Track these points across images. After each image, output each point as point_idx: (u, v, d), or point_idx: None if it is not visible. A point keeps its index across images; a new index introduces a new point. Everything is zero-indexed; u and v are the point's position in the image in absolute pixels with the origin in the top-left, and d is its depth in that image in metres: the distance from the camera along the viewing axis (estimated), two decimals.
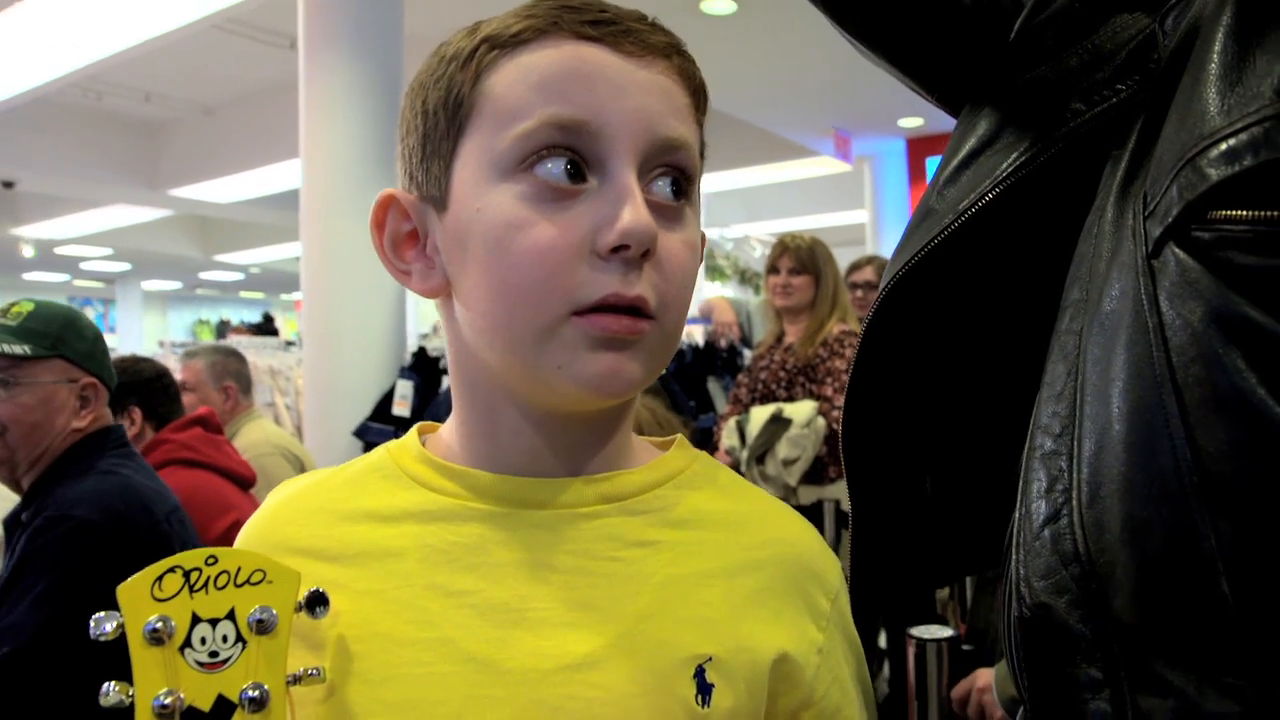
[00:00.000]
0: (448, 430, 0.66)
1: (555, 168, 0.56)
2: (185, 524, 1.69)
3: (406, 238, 0.64)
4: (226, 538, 2.12)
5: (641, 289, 0.56)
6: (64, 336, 1.60)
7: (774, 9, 5.70)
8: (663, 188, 0.59)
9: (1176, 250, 0.53)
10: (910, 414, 0.81)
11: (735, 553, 0.64)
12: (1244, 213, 0.50)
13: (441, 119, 0.60)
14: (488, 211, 0.57)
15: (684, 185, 0.60)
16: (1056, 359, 0.61)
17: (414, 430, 0.67)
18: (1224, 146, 0.51)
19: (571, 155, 0.56)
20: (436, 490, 0.62)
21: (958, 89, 0.83)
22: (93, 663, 1.37)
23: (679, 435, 0.71)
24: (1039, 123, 0.72)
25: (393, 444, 0.66)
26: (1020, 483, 0.62)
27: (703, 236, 0.68)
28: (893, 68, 0.84)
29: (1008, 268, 0.77)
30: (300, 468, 3.05)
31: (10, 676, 1.37)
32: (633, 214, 0.55)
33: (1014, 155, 0.72)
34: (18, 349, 1.54)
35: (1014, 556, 0.57)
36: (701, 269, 0.68)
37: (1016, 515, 0.58)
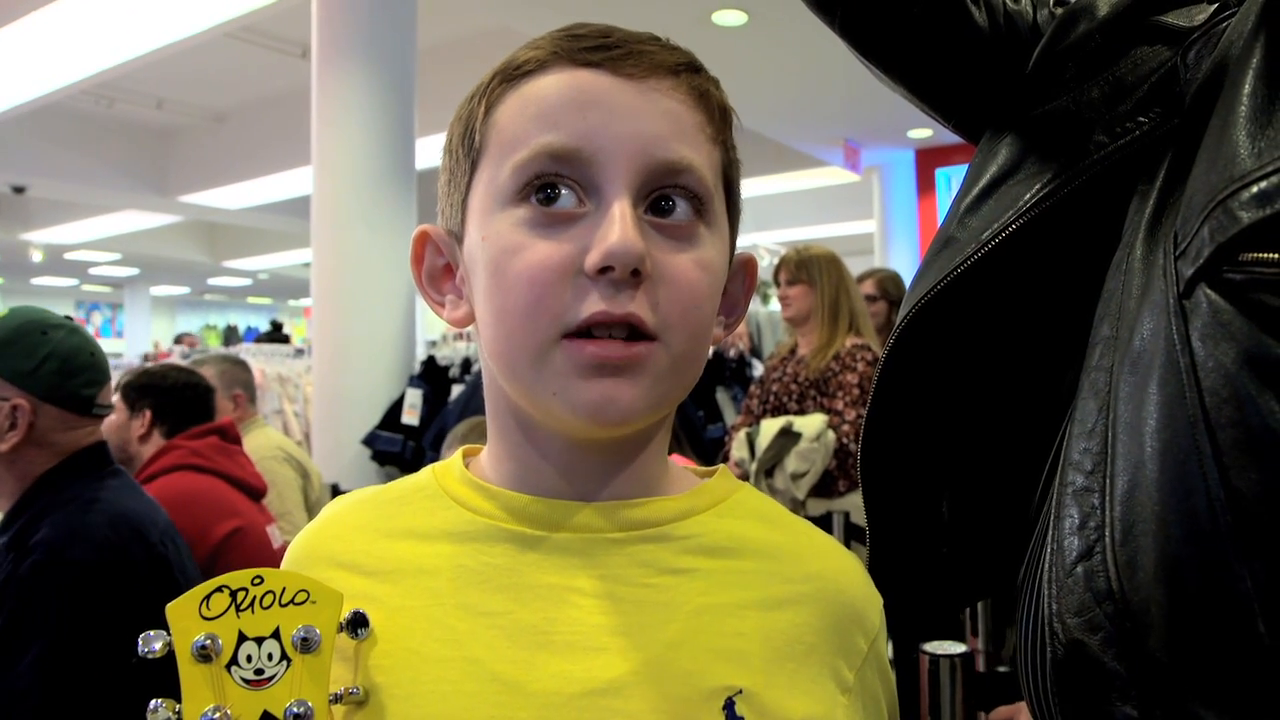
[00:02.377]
0: (486, 453, 0.67)
1: (550, 194, 0.56)
2: (178, 543, 1.65)
3: (443, 271, 0.66)
4: (227, 543, 2.13)
5: (634, 308, 0.55)
6: None
7: (784, 21, 5.71)
8: (668, 208, 0.58)
9: (1208, 291, 0.53)
10: (929, 438, 0.81)
11: (774, 585, 0.62)
12: (1275, 255, 0.51)
13: (460, 154, 0.62)
14: (490, 239, 0.58)
15: (694, 204, 0.59)
16: (1087, 395, 0.61)
17: (459, 451, 0.68)
18: (1255, 189, 0.52)
19: (567, 182, 0.56)
20: (473, 510, 0.62)
21: (976, 116, 0.84)
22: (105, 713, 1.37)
23: (721, 465, 0.70)
24: (1062, 154, 0.73)
25: (438, 465, 0.67)
26: (1049, 517, 0.62)
27: (749, 257, 0.67)
28: (911, 95, 0.85)
29: (1029, 297, 0.78)
30: (302, 471, 3.12)
31: None
32: (618, 234, 0.54)
33: (1037, 186, 0.72)
34: None
35: (1046, 592, 0.57)
36: None
37: (1047, 550, 0.58)
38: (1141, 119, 0.70)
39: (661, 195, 0.58)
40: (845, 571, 0.67)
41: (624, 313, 0.55)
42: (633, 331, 0.56)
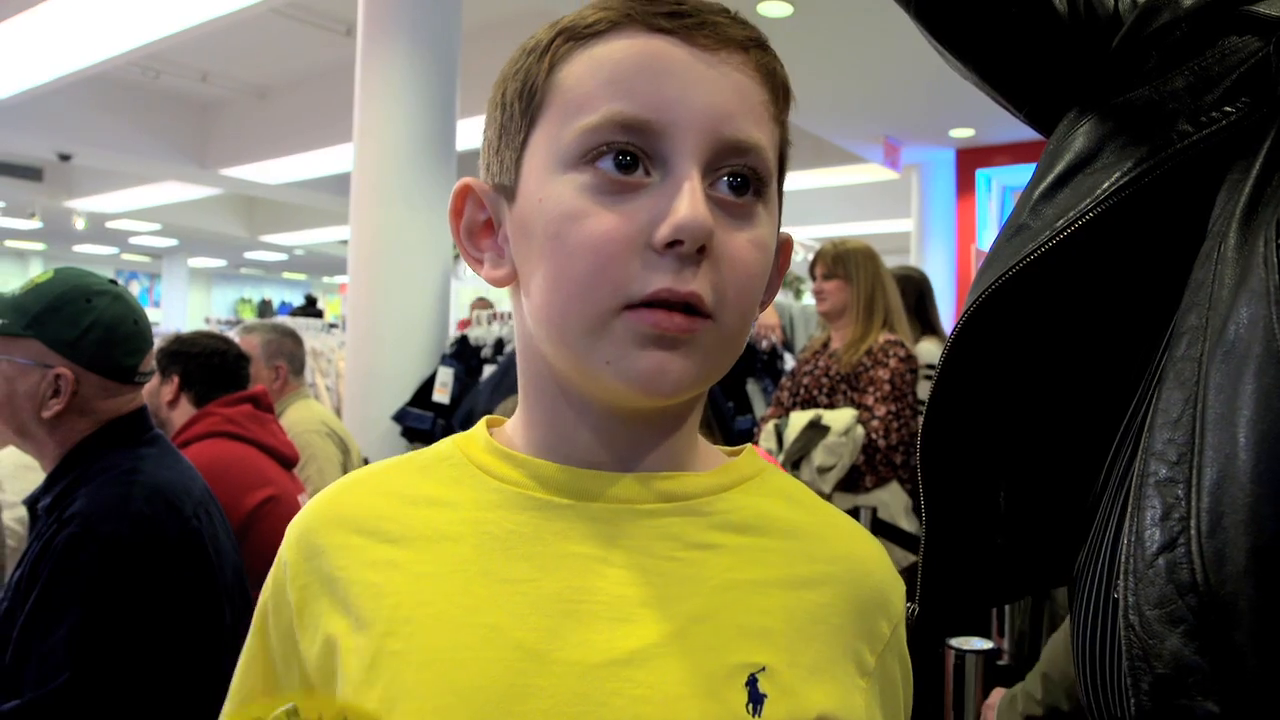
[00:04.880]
0: (514, 422, 0.67)
1: (617, 161, 0.56)
2: (212, 515, 1.65)
3: (483, 226, 0.65)
4: (260, 511, 2.15)
5: (696, 285, 0.55)
6: (43, 318, 1.51)
7: (830, 13, 5.67)
8: (730, 185, 0.57)
9: None
10: (989, 427, 0.80)
11: (801, 564, 0.63)
12: None
13: (516, 110, 0.60)
14: (549, 202, 0.57)
15: (755, 184, 0.59)
16: (1173, 385, 0.59)
17: (482, 422, 0.68)
18: None
19: (634, 150, 0.56)
20: (499, 478, 0.62)
21: (1050, 105, 0.83)
22: (135, 693, 1.39)
23: (749, 445, 0.70)
24: (1144, 143, 0.71)
25: (460, 435, 0.67)
26: (1112, 507, 0.61)
27: (787, 237, 0.67)
28: (985, 83, 0.84)
29: (1100, 286, 0.77)
30: (343, 447, 3.07)
31: (54, 715, 1.32)
32: (688, 209, 0.54)
33: (1116, 175, 0.71)
34: None
35: (1122, 584, 0.56)
36: None
37: (1124, 541, 0.57)
38: (1228, 108, 0.68)
39: (728, 172, 0.58)
40: (870, 555, 0.67)
41: (688, 290, 0.55)
42: (689, 307, 0.55)
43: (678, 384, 0.57)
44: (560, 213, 0.56)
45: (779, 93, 0.61)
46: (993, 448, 0.80)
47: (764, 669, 0.57)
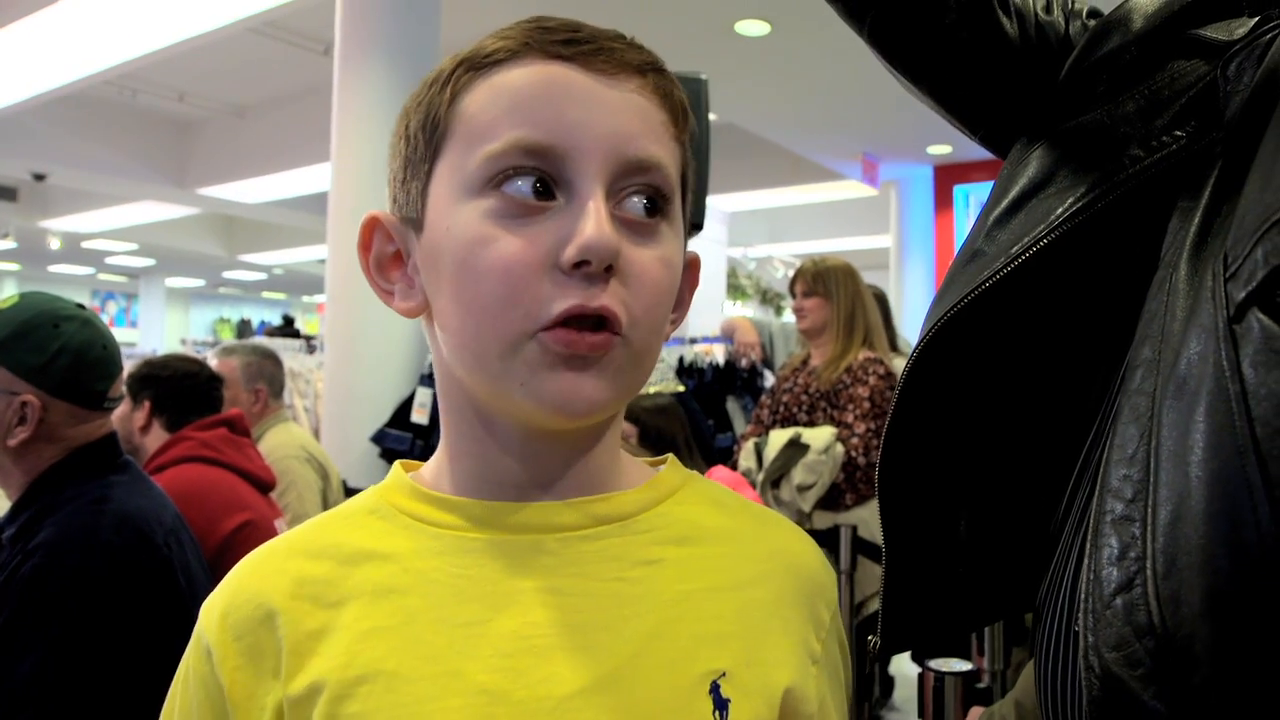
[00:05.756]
0: (436, 461, 0.66)
1: (522, 185, 0.56)
2: (184, 543, 1.61)
3: (391, 258, 0.65)
4: (235, 537, 2.11)
5: (607, 301, 0.55)
6: (9, 345, 1.46)
7: (808, 31, 5.71)
8: (635, 205, 0.58)
9: (1261, 316, 0.51)
10: (948, 455, 0.79)
11: (742, 565, 0.64)
12: None
13: (420, 141, 0.61)
14: (456, 229, 0.57)
15: (659, 203, 0.59)
16: (1128, 420, 0.58)
17: (397, 467, 0.67)
18: None
19: (539, 174, 0.56)
20: (434, 524, 0.61)
21: (1003, 129, 0.83)
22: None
23: (670, 455, 0.70)
24: (1096, 167, 0.71)
25: (380, 487, 0.66)
26: (1074, 539, 0.60)
27: (695, 255, 0.68)
28: (938, 105, 0.84)
29: (1057, 313, 0.76)
30: (322, 473, 3.01)
31: None
32: (593, 229, 0.54)
33: (1070, 200, 0.71)
34: None
35: (1082, 623, 0.55)
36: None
37: (1083, 580, 0.56)
38: (1178, 133, 0.68)
39: (633, 191, 0.58)
40: (802, 547, 0.69)
41: (598, 305, 0.55)
42: (600, 324, 0.56)
43: (591, 404, 0.57)
44: (468, 239, 0.57)
45: (678, 114, 0.62)
46: (952, 475, 0.80)
47: (724, 674, 0.59)
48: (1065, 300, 0.75)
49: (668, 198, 0.60)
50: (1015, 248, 0.71)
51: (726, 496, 0.70)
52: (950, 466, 0.80)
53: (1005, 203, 0.75)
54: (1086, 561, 0.56)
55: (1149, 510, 0.53)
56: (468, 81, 0.59)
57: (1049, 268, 0.71)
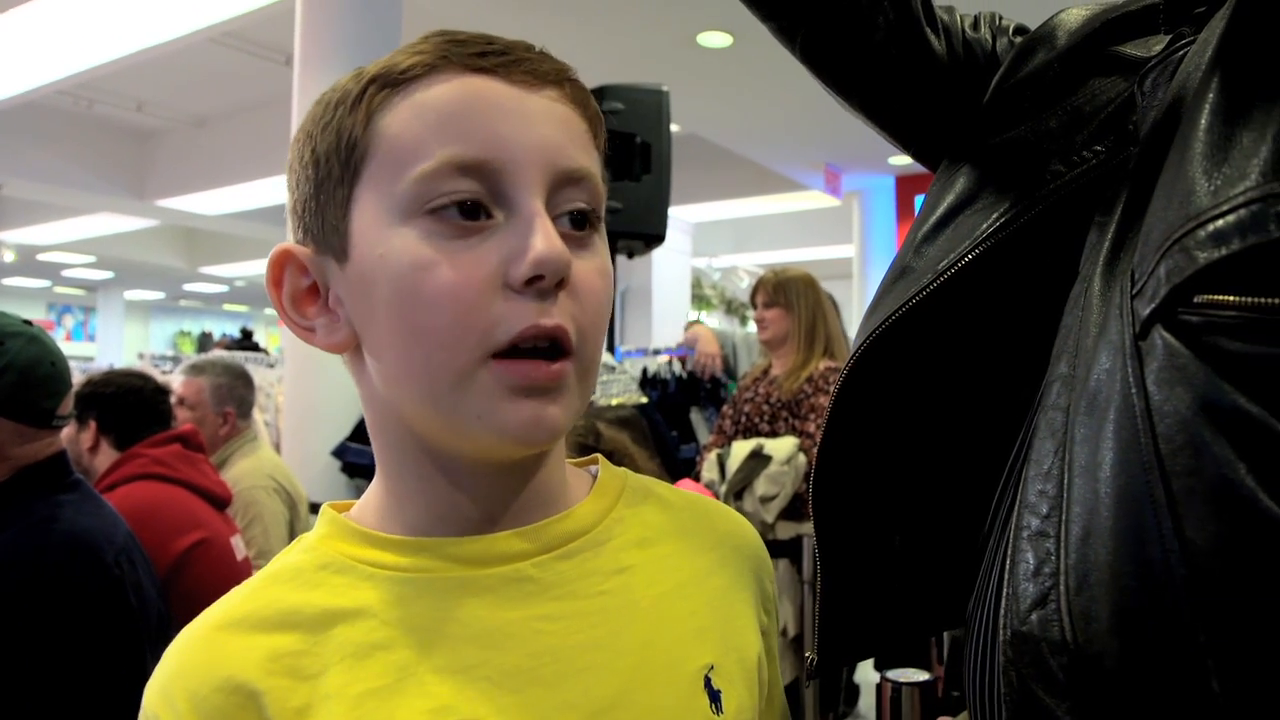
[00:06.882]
0: (375, 502, 0.62)
1: (460, 205, 0.54)
2: (135, 562, 1.59)
3: (306, 293, 0.60)
4: (189, 555, 2.07)
5: (560, 318, 0.54)
6: None
7: (770, 43, 5.67)
8: (571, 219, 0.57)
9: (1164, 333, 0.51)
10: (881, 469, 0.80)
11: (698, 557, 0.66)
12: (1231, 298, 0.49)
13: (335, 165, 0.57)
14: (392, 256, 0.54)
15: (589, 214, 0.59)
16: (1044, 435, 0.59)
17: (329, 511, 0.62)
18: (1211, 228, 0.50)
19: (476, 192, 0.54)
20: (401, 569, 0.57)
21: (934, 144, 0.84)
22: None
23: (597, 454, 0.70)
24: (1019, 183, 0.72)
25: (316, 538, 0.61)
26: (998, 554, 0.60)
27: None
28: (870, 121, 0.86)
29: (985, 328, 0.77)
30: (290, 503, 2.88)
31: None
32: (544, 243, 0.53)
33: (994, 215, 0.72)
34: None
35: (1001, 638, 0.55)
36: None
37: (1004, 595, 0.56)
38: (1098, 148, 0.70)
39: (565, 204, 0.57)
40: (740, 526, 0.72)
41: (554, 324, 0.54)
42: (553, 346, 0.55)
43: (553, 431, 0.56)
44: (407, 264, 0.54)
45: (594, 122, 0.61)
46: (885, 489, 0.81)
47: (713, 667, 0.61)
48: (992, 315, 0.76)
49: (597, 208, 0.60)
50: (942, 263, 0.72)
51: (660, 489, 0.70)
52: (883, 480, 0.81)
53: (933, 219, 0.77)
54: (1006, 576, 0.57)
55: (1063, 526, 0.54)
56: (384, 100, 0.56)
57: (976, 283, 0.72)
